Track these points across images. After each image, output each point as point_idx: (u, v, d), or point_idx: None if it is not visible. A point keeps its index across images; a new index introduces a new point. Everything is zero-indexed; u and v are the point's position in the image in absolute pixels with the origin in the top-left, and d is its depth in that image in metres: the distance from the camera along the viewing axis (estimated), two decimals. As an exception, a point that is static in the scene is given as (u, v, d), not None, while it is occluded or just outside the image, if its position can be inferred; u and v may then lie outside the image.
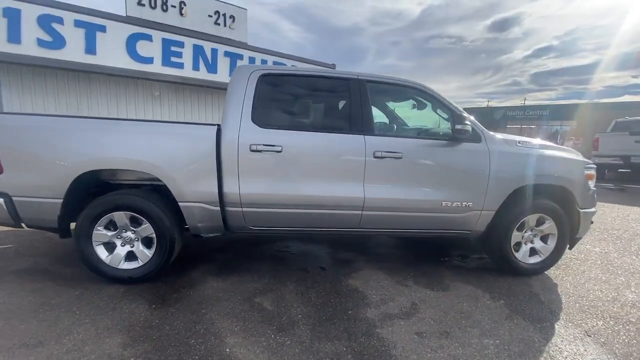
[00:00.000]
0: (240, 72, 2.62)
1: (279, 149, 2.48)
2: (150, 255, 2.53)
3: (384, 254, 3.39)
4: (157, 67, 8.06)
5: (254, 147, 2.46)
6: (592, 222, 3.01)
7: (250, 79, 2.58)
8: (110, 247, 2.53)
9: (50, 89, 7.38)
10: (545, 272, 2.99)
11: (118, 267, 2.51)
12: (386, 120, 3.33)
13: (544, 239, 2.93)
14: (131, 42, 7.69)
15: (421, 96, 2.80)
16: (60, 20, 6.75)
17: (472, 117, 2.77)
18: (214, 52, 8.99)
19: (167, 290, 2.49)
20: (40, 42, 6.60)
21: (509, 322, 2.19)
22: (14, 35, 6.30)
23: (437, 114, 2.86)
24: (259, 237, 3.68)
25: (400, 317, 2.22)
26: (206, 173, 2.47)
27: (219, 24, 9.20)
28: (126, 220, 2.48)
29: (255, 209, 2.55)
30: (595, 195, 3.02)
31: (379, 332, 2.05)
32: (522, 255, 2.88)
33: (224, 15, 9.23)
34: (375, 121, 2.80)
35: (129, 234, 2.53)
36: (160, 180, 2.44)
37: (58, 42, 6.79)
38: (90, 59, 7.18)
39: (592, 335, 2.07)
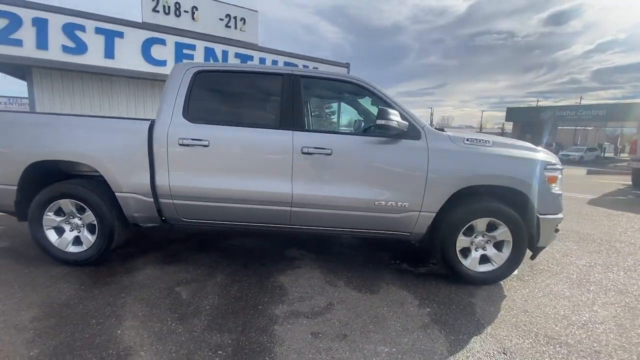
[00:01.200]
0: (177, 69, 2.72)
1: (205, 143, 2.54)
2: (93, 241, 2.71)
3: (335, 253, 3.31)
4: (169, 70, 8.55)
5: (182, 141, 2.54)
6: (557, 231, 2.69)
7: (185, 75, 2.67)
8: (60, 231, 2.76)
9: (77, 90, 8.17)
10: (501, 282, 2.73)
11: (65, 250, 2.73)
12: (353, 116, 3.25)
13: (498, 246, 2.68)
14: (146, 46, 8.26)
15: (359, 91, 2.69)
16: (82, 28, 7.46)
17: (410, 112, 2.62)
18: (225, 53, 9.35)
19: (105, 274, 2.65)
20: (65, 48, 7.35)
21: (420, 331, 2.04)
22: (42, 42, 7.08)
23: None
24: (223, 231, 3.77)
25: (307, 316, 2.16)
26: (139, 165, 2.59)
27: (229, 27, 9.56)
28: (72, 208, 2.69)
29: (185, 201, 2.62)
30: (561, 200, 2.70)
31: (276, 328, 2.02)
32: (470, 262, 2.66)
33: (235, 18, 9.57)
34: (319, 117, 2.75)
35: (76, 220, 2.74)
36: (98, 172, 2.61)
37: (80, 47, 7.51)
38: (109, 63, 7.84)
39: (508, 354, 1.86)
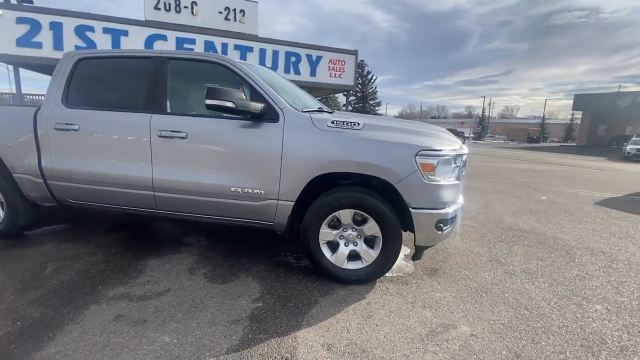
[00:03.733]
0: (63, 57, 2.85)
1: (76, 127, 2.64)
2: (2, 217, 3.01)
3: (233, 242, 3.23)
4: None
5: (57, 126, 2.67)
6: (442, 229, 2.30)
7: (68, 62, 2.79)
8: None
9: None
10: (377, 281, 2.44)
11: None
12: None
13: (370, 242, 2.39)
14: (149, 43, 8.83)
15: (224, 72, 2.55)
16: (92, 29, 8.22)
17: (272, 93, 2.43)
18: (224, 46, 9.60)
19: (7, 246, 2.93)
20: (77, 48, 8.17)
21: (223, 326, 1.91)
22: (58, 44, 7.96)
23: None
24: (153, 217, 3.91)
25: (132, 299, 2.16)
26: (28, 149, 2.79)
27: (229, 19, 9.77)
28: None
29: (65, 183, 2.77)
30: (447, 192, 2.29)
31: (90, 307, 2.05)
32: (337, 258, 2.42)
33: (234, 10, 9.74)
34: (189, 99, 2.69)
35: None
36: (-2, 155, 2.86)
37: (90, 47, 8.29)
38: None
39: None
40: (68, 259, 2.71)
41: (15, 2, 7.79)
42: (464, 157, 2.52)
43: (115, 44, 8.48)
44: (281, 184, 2.36)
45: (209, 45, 9.39)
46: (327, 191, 2.38)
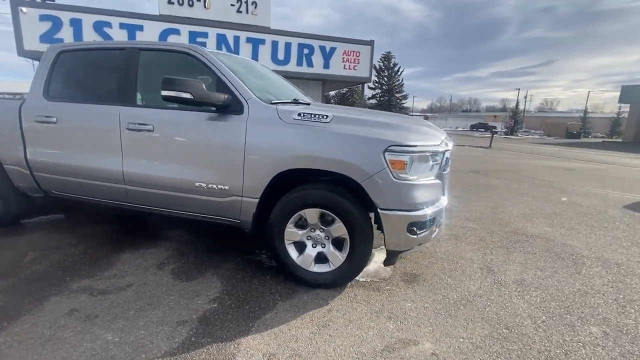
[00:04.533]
0: (46, 51, 2.88)
1: (54, 120, 2.67)
2: (-1, 206, 3.15)
3: (212, 237, 3.18)
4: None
5: (37, 119, 2.72)
6: (416, 233, 2.09)
7: (50, 55, 2.82)
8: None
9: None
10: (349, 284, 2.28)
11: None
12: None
13: (339, 244, 2.23)
14: (163, 37, 9.00)
15: (193, 61, 2.46)
16: (109, 25, 8.50)
17: (238, 83, 2.31)
18: (236, 39, 9.59)
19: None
20: (96, 44, 8.51)
21: (169, 326, 1.85)
22: (77, 39, 8.30)
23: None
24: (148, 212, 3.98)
25: (92, 293, 2.16)
26: (15, 141, 2.87)
27: (241, 12, 9.73)
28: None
29: (49, 175, 2.83)
30: (420, 193, 2.07)
31: (50, 299, 2.07)
32: (303, 260, 2.28)
33: (246, 2, 9.67)
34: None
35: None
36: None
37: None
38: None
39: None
40: (49, 249, 2.78)
41: (39, 0, 8.21)
42: (446, 154, 2.27)
43: (131, 38, 8.73)
44: (245, 179, 2.24)
45: (221, 39, 9.43)
46: (294, 189, 2.24)
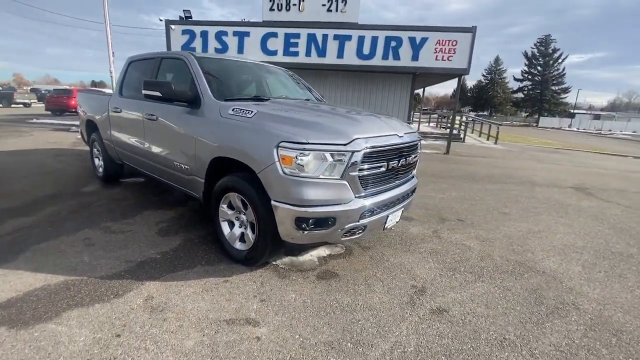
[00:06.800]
0: (126, 60, 4.09)
1: (119, 110, 3.84)
2: (102, 168, 4.73)
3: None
4: (279, 58, 10.43)
5: (113, 109, 3.96)
6: (304, 229, 2.10)
7: (125, 64, 4.01)
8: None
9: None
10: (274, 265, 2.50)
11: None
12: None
13: (253, 227, 2.46)
14: (264, 41, 10.43)
15: (185, 65, 3.07)
16: (226, 34, 10.48)
17: (204, 84, 2.79)
18: (325, 37, 10.13)
19: (104, 185, 4.62)
20: (216, 50, 10.64)
21: (122, 262, 2.54)
22: (204, 47, 10.64)
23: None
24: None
25: (108, 231, 3.12)
26: (107, 123, 4.24)
27: (331, 11, 10.15)
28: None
29: (119, 148, 4.08)
30: (309, 190, 2.04)
31: (85, 229, 3.12)
32: (230, 236, 2.63)
33: (336, 1, 10.01)
34: None
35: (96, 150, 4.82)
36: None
37: (224, 48, 10.62)
38: (240, 57, 10.60)
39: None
40: (114, 200, 4.02)
41: (183, 18, 10.93)
42: (359, 156, 2.12)
43: (241, 44, 10.56)
44: (195, 162, 2.74)
45: (311, 38, 10.19)
46: (212, 171, 2.60)
